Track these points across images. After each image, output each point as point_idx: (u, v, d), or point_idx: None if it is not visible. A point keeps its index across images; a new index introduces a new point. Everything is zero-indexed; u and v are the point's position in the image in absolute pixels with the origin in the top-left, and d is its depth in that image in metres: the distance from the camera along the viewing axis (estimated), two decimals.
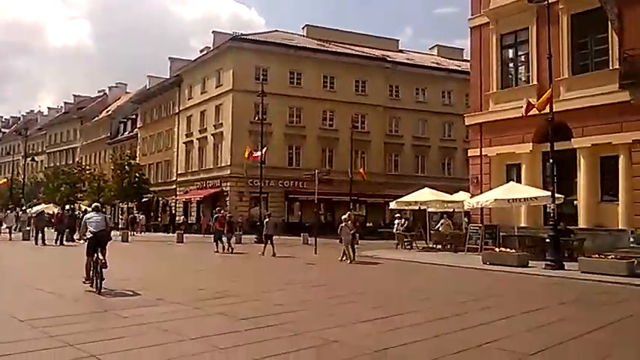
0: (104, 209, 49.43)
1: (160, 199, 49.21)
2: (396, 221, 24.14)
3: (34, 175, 68.41)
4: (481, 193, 21.07)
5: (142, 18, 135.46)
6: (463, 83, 46.12)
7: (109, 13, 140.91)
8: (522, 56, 21.23)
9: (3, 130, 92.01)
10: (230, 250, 20.23)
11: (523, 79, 21.32)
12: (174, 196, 46.91)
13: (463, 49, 54.92)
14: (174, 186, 47.32)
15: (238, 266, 16.18)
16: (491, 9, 21.44)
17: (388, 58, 44.40)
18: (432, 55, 52.34)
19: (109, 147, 61.46)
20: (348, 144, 39.27)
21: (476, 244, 19.15)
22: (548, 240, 14.40)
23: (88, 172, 55.19)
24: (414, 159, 45.16)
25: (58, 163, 68.72)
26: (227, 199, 38.80)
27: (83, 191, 53.81)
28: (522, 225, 19.89)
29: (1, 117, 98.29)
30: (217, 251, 20.07)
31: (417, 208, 24.59)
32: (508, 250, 14.88)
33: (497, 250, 15.17)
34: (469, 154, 22.38)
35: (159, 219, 47.85)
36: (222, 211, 23.15)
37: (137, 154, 53.03)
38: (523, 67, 21.36)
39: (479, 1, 22.16)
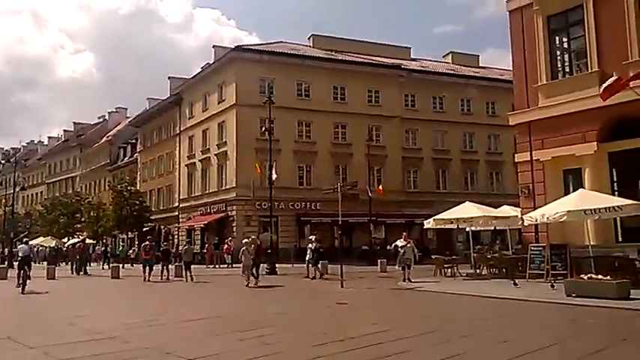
0: (105, 240, 47.20)
1: (162, 227, 45.87)
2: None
3: (32, 207, 65.51)
4: (534, 205, 17.62)
5: (145, 48, 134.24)
6: (483, 90, 43.14)
7: (113, 45, 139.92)
8: (576, 40, 17.88)
9: (3, 162, 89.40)
10: (164, 279, 21.16)
11: (577, 66, 17.97)
12: (176, 224, 43.54)
13: (478, 56, 52.19)
14: (176, 213, 43.97)
15: (240, 307, 12.56)
16: None
17: (402, 66, 41.26)
18: (447, 62, 49.21)
19: (109, 174, 58.44)
20: (363, 159, 36.07)
21: (540, 268, 15.51)
22: None
23: (86, 201, 52.08)
24: (434, 174, 41.66)
25: (57, 194, 65.73)
26: (233, 224, 35.39)
27: (82, 222, 50.72)
28: (587, 243, 16.33)
29: (2, 148, 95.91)
30: (147, 280, 20.72)
31: (455, 226, 21.03)
32: (601, 277, 11.26)
33: (585, 277, 11.57)
34: (516, 160, 18.86)
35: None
36: (149, 241, 23.79)
37: (137, 181, 49.93)
38: (577, 53, 17.99)
39: None
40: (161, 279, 21.09)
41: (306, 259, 21.36)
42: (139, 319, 9.86)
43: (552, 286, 12.93)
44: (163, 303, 14.04)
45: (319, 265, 20.85)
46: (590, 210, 13.57)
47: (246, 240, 19.12)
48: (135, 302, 14.78)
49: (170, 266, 22.56)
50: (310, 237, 22.65)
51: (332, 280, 18.82)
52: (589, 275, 11.59)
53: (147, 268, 21.18)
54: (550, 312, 10.38)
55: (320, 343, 7.46)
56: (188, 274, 20.73)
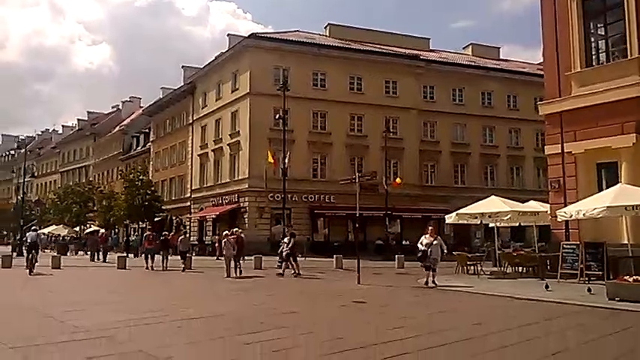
0: (116, 229, 47.01)
1: (174, 217, 45.27)
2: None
3: (44, 195, 65.42)
4: (565, 200, 16.52)
5: (161, 39, 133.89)
6: (504, 83, 41.75)
7: (128, 36, 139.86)
8: (613, 25, 16.64)
9: (18, 150, 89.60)
10: (164, 268, 20.95)
11: (614, 53, 16.76)
12: (188, 214, 42.88)
13: (499, 48, 50.68)
14: (188, 203, 43.33)
15: (245, 304, 11.64)
16: None
17: (420, 57, 40.01)
18: (467, 54, 47.81)
19: (121, 163, 58.00)
20: (379, 152, 35.01)
21: (573, 268, 14.41)
22: None
23: (98, 190, 51.70)
24: (453, 168, 40.49)
25: (71, 182, 65.50)
26: (245, 215, 34.57)
27: (94, 211, 50.40)
28: (626, 242, 15.17)
29: (17, 137, 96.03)
30: (147, 268, 21.00)
31: (478, 222, 19.93)
32: None
33: (630, 279, 10.49)
34: (547, 152, 17.73)
35: None
36: (152, 231, 25.31)
37: (149, 170, 49.32)
38: (614, 39, 16.77)
39: None
40: (162, 268, 21.01)
41: (279, 252, 19.41)
42: (136, 316, 8.98)
43: (589, 290, 11.81)
44: (163, 296, 13.27)
45: (287, 262, 18.45)
46: (632, 206, 12.45)
47: (226, 232, 19.58)
48: (134, 294, 13.99)
49: (169, 256, 22.57)
50: (286, 229, 22.05)
51: (348, 275, 17.89)
52: (635, 277, 10.48)
53: (149, 257, 21.63)
54: (595, 318, 9.30)
55: (337, 350, 6.50)
56: (184, 263, 20.96)
